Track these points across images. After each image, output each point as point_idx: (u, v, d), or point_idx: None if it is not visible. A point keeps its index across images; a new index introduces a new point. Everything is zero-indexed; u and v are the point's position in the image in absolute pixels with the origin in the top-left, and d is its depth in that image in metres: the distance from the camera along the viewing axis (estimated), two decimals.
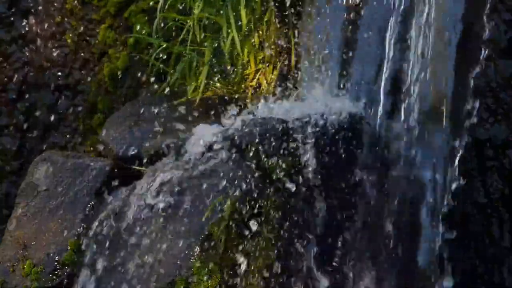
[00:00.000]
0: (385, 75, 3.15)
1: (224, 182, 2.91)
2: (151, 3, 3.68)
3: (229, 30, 3.36)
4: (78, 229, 3.10)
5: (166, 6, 3.47)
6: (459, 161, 3.10)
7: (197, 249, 2.86)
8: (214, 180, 2.93)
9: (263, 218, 2.90)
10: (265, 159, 2.96)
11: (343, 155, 3.06)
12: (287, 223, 2.94)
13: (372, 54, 3.24)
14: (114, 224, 3.02)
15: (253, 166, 2.95)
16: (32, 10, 4.02)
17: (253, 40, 3.43)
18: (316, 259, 2.99)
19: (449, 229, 3.12)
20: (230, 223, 2.86)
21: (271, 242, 2.91)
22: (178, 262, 2.87)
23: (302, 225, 2.97)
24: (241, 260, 2.88)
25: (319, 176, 3.00)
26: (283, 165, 2.95)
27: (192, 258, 2.86)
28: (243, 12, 3.35)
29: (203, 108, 3.35)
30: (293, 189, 2.95)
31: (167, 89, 3.53)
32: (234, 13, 3.36)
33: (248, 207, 2.89)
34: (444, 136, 3.13)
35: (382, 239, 3.10)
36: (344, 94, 3.28)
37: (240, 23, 3.36)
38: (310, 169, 2.98)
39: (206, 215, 2.87)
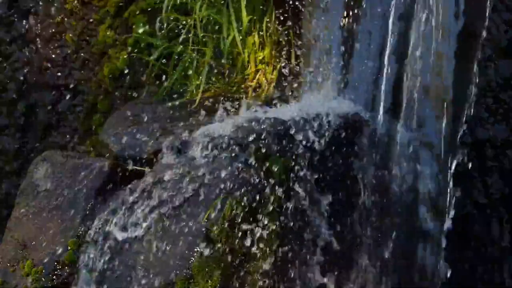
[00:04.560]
0: (386, 74, 3.15)
1: (224, 182, 2.91)
2: (145, 5, 3.69)
3: (230, 30, 3.36)
4: (78, 229, 3.10)
5: (169, 7, 3.47)
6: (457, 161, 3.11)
7: (197, 249, 2.86)
8: (214, 180, 2.92)
9: (263, 218, 2.90)
10: (265, 159, 2.96)
11: (343, 155, 3.06)
12: (288, 223, 2.94)
13: (372, 54, 3.24)
14: (114, 224, 3.02)
15: (253, 166, 2.95)
16: (32, 10, 4.02)
17: (253, 40, 3.43)
18: (318, 261, 2.99)
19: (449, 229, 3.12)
20: (230, 223, 2.86)
21: (271, 243, 2.91)
22: (178, 262, 2.87)
23: (303, 226, 2.97)
24: (241, 260, 2.88)
25: (320, 177, 3.00)
26: (284, 166, 2.95)
27: (192, 258, 2.86)
28: (243, 12, 3.35)
29: (203, 108, 3.35)
30: (294, 189, 2.95)
31: (167, 89, 3.53)
32: (235, 13, 3.36)
33: (248, 207, 2.89)
34: (444, 136, 3.13)
35: (383, 239, 3.10)
36: (345, 95, 3.28)
37: (240, 23, 3.37)
38: (310, 169, 2.98)
39: (206, 215, 2.87)
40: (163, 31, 3.54)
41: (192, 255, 2.86)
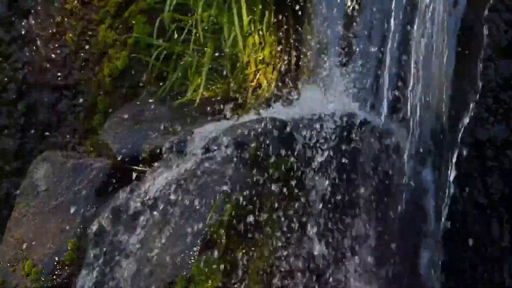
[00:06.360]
0: (387, 75, 3.15)
1: (224, 182, 2.91)
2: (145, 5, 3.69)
3: (232, 30, 3.36)
4: (78, 229, 3.10)
5: (171, 7, 3.47)
6: (458, 161, 3.10)
7: (197, 249, 2.86)
8: (214, 180, 2.92)
9: (263, 219, 2.90)
10: (265, 160, 2.96)
11: (343, 156, 3.06)
12: (288, 224, 2.94)
13: (373, 53, 3.24)
14: (114, 224, 3.02)
15: (254, 166, 2.95)
16: (32, 10, 4.02)
17: (253, 40, 3.43)
18: (316, 261, 2.99)
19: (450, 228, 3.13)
20: (230, 223, 2.86)
21: (271, 243, 2.91)
22: (178, 262, 2.87)
23: (302, 226, 2.97)
24: (241, 260, 2.88)
25: (320, 177, 3.00)
26: (284, 166, 2.95)
27: (192, 258, 2.86)
28: (244, 13, 3.35)
29: (203, 108, 3.35)
30: (294, 190, 2.95)
31: (167, 89, 3.54)
32: (236, 13, 3.37)
33: (248, 207, 2.89)
34: (444, 136, 3.13)
35: (385, 241, 3.10)
36: (345, 95, 3.28)
37: (241, 23, 3.37)
38: (310, 170, 2.98)
39: (209, 217, 2.87)
40: (163, 32, 3.54)
41: (192, 255, 2.86)
